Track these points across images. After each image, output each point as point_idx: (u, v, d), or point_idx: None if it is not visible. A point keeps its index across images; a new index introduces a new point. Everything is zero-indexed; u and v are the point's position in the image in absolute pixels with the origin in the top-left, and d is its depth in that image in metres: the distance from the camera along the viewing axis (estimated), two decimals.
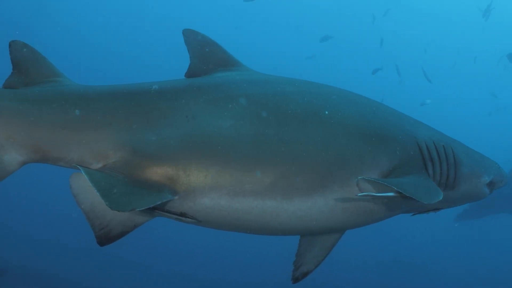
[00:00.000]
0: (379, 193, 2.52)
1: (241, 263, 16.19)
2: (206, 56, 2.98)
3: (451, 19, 38.21)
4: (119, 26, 34.71)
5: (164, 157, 2.43)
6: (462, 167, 3.01)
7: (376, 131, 2.75)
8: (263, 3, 32.52)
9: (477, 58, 29.19)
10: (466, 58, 32.91)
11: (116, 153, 2.44)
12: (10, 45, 2.72)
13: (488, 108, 31.34)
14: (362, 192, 2.55)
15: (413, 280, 15.56)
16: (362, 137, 2.68)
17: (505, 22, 33.22)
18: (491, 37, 34.00)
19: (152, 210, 2.47)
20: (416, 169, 2.78)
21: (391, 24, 33.48)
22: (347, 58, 37.01)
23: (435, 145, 2.96)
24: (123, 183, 2.33)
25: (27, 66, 2.70)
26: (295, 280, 3.26)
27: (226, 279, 15.41)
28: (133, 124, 2.48)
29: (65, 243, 16.03)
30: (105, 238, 2.51)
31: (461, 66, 33.66)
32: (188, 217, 2.52)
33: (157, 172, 2.42)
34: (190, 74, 2.94)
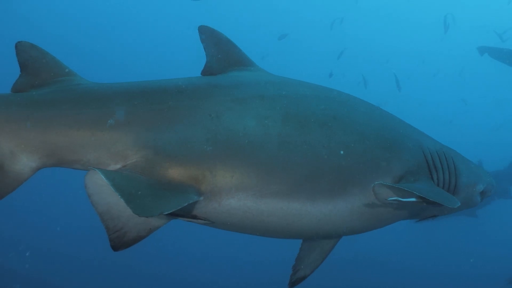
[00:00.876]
0: (404, 198, 2.59)
1: (240, 267, 16.18)
2: (222, 55, 2.96)
3: (413, 26, 39.18)
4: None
5: (189, 157, 2.36)
6: (461, 175, 3.15)
7: (390, 139, 2.83)
8: (218, 2, 32.77)
9: (439, 65, 30.09)
10: (428, 67, 33.87)
11: (137, 153, 2.36)
12: (16, 47, 2.63)
13: (449, 116, 32.24)
14: (379, 197, 2.62)
15: (375, 275, 15.98)
16: (378, 144, 2.74)
17: (465, 33, 34.25)
18: (452, 48, 35.00)
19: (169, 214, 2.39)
20: (423, 177, 2.88)
21: (349, 29, 34.21)
22: (304, 60, 37.35)
23: (438, 154, 3.08)
24: (147, 185, 2.24)
25: (35, 67, 2.61)
26: (292, 284, 3.29)
27: (225, 283, 15.40)
28: (154, 123, 2.41)
29: (69, 252, 15.70)
30: (119, 241, 2.42)
31: (422, 76, 34.53)
32: (201, 219, 2.48)
33: (181, 173, 2.34)
34: (206, 72, 2.91)
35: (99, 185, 2.32)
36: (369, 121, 2.82)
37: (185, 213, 2.45)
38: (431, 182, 2.91)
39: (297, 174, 2.48)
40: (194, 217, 2.47)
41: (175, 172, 2.34)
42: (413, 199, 2.59)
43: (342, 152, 2.58)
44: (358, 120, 2.77)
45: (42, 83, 2.58)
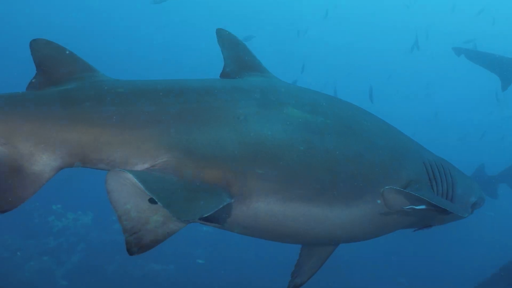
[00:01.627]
0: (417, 206, 2.68)
1: (239, 268, 16.06)
2: (239, 59, 3.00)
3: (382, 40, 39.99)
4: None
5: (221, 158, 2.33)
6: (457, 187, 3.29)
7: (396, 149, 2.96)
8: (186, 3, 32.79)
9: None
10: (394, 81, 34.64)
11: (168, 153, 2.29)
12: (31, 45, 2.55)
13: (412, 129, 33.00)
14: (388, 203, 2.70)
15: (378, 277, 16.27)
16: (387, 153, 2.85)
17: (434, 44, 35.12)
18: (421, 59, 35.79)
19: None
20: (425, 186, 3.00)
21: (317, 39, 34.73)
22: (267, 64, 37.71)
23: (436, 166, 3.21)
24: (181, 186, 2.18)
25: (52, 64, 2.52)
26: None
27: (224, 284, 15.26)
28: (185, 122, 2.37)
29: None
30: (136, 244, 2.30)
31: (388, 90, 35.17)
32: (214, 221, 2.44)
33: (214, 174, 2.30)
34: (224, 75, 2.94)
35: (120, 184, 2.22)
36: (377, 131, 2.94)
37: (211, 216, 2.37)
38: (432, 192, 3.04)
39: (319, 179, 2.52)
40: (213, 220, 2.42)
41: (208, 173, 2.30)
42: (424, 207, 2.69)
43: (357, 159, 2.67)
44: (369, 130, 2.87)
45: (60, 80, 2.49)
